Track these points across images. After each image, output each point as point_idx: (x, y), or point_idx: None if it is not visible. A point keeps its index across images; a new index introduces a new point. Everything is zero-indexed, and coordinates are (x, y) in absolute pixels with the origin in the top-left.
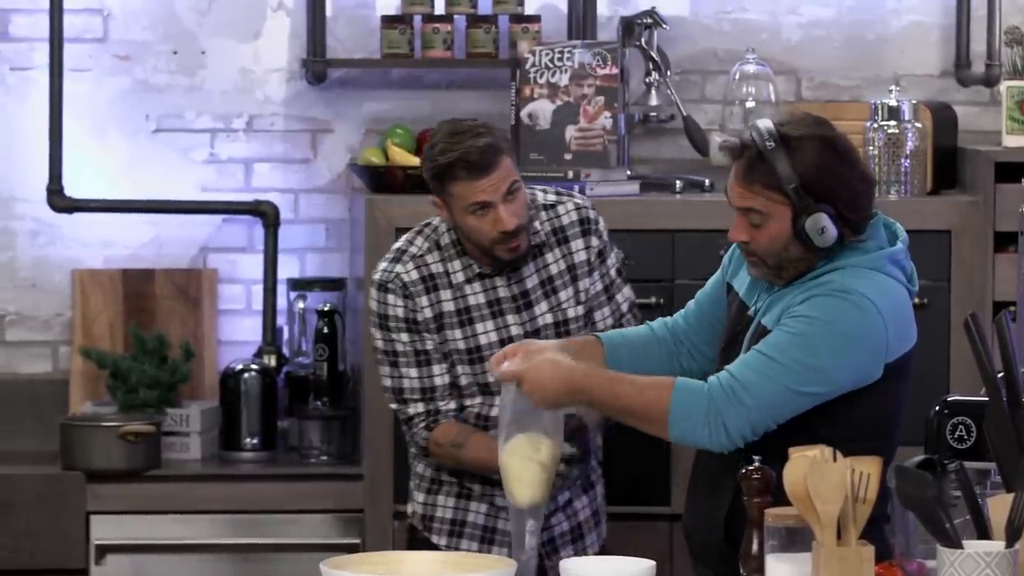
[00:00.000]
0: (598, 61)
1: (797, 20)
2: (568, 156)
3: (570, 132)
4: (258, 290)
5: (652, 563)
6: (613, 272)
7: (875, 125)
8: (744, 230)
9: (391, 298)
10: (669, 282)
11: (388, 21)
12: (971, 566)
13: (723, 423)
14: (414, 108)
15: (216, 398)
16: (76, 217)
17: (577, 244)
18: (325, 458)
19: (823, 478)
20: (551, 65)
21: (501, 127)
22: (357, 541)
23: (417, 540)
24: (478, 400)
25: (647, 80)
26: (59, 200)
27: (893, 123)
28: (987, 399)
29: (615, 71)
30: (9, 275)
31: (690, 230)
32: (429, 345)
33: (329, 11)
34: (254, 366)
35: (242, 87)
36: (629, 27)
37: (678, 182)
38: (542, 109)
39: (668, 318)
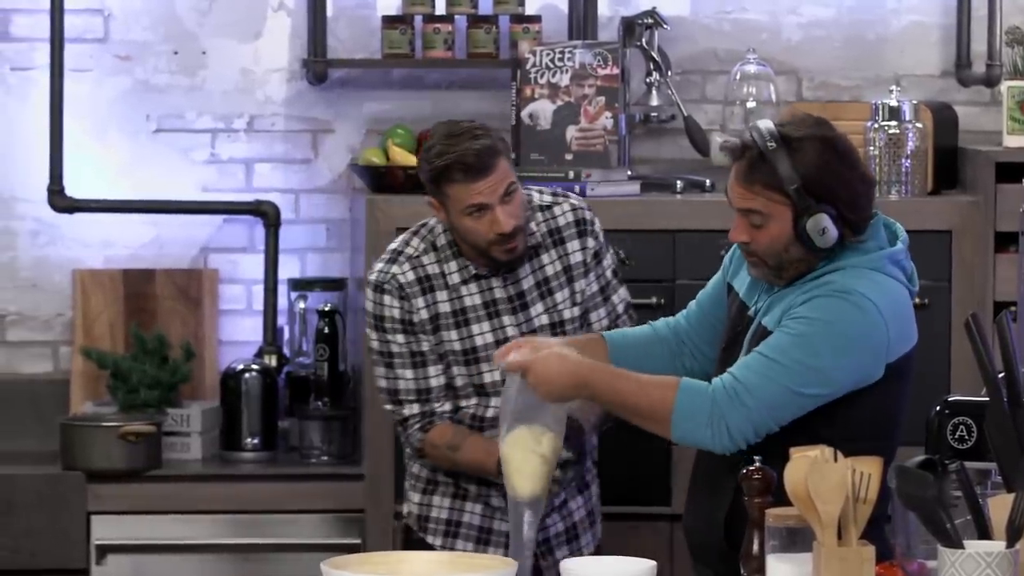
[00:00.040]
0: (599, 61)
1: (797, 20)
2: (569, 156)
3: (571, 132)
4: (259, 290)
5: (652, 563)
6: (609, 273)
7: (876, 125)
8: (745, 231)
9: (387, 299)
10: (670, 282)
11: (389, 21)
12: (972, 566)
13: (726, 425)
14: (415, 108)
15: (217, 398)
16: (77, 217)
17: (573, 245)
18: (326, 458)
19: (824, 478)
20: (552, 65)
21: (501, 127)
22: (358, 541)
23: (413, 541)
24: (473, 401)
25: (648, 80)
26: (60, 200)
27: (894, 123)
28: (988, 399)
29: (616, 71)
30: (10, 275)
31: (691, 230)
32: (425, 346)
33: (330, 11)
34: (255, 366)
35: (243, 87)
36: (630, 27)
37: (679, 182)
38: (543, 109)
39: (671, 318)
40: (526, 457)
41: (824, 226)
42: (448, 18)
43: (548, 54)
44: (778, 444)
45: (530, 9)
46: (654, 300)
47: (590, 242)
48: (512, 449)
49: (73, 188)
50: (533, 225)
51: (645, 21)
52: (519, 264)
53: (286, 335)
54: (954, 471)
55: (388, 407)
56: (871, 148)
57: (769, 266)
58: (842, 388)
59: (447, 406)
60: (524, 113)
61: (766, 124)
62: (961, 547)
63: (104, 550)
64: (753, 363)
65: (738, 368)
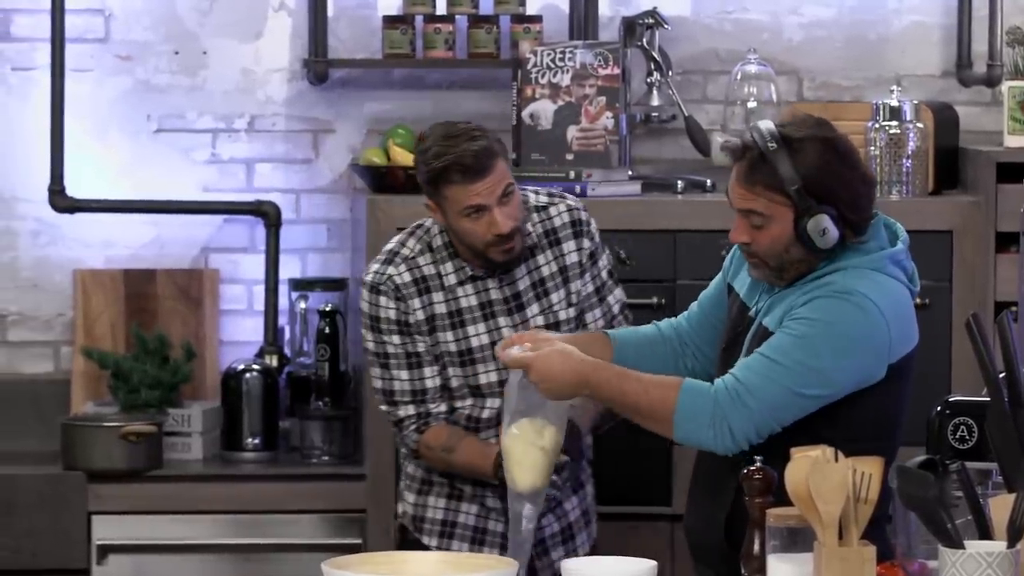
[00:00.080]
0: (599, 61)
1: (798, 20)
2: (569, 156)
3: (571, 132)
4: (259, 290)
5: (653, 563)
6: (604, 274)
7: (876, 125)
8: (745, 231)
9: (383, 300)
10: (671, 282)
11: (390, 21)
12: (973, 566)
13: (728, 426)
14: (416, 108)
15: (218, 398)
16: (78, 217)
17: (569, 246)
18: (327, 458)
19: (825, 478)
20: (552, 65)
21: (502, 127)
22: (359, 541)
23: (408, 541)
24: (468, 402)
25: (648, 80)
26: (61, 200)
27: (894, 123)
28: (988, 399)
29: (617, 71)
30: (11, 275)
31: (692, 230)
32: (420, 347)
33: (331, 11)
34: (256, 366)
35: (244, 87)
36: (631, 27)
37: (679, 182)
38: (543, 109)
39: (673, 319)
40: (527, 450)
41: (825, 227)
42: (449, 18)
43: (549, 54)
44: (779, 444)
45: (531, 9)
46: (655, 300)
47: (586, 243)
48: (513, 442)
49: (74, 188)
50: (529, 226)
51: (646, 21)
52: (515, 265)
53: (287, 335)
54: (955, 471)
55: (383, 408)
56: (872, 148)
57: (770, 267)
58: (843, 389)
59: (443, 407)
60: (525, 113)
61: (767, 125)
62: (962, 547)
63: (105, 550)
64: (754, 364)
65: (740, 369)
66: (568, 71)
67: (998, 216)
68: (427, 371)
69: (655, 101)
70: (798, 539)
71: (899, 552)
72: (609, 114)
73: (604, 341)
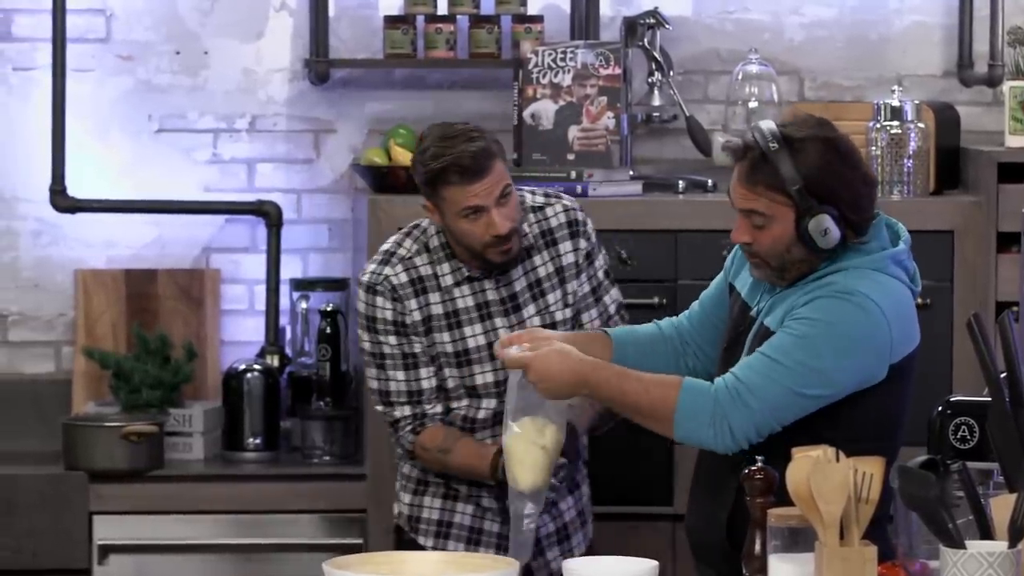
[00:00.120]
0: (601, 61)
1: (800, 20)
2: (571, 156)
3: (573, 132)
4: (261, 290)
5: (655, 563)
6: (601, 274)
7: (878, 125)
8: (747, 231)
9: (379, 300)
10: (672, 282)
11: (391, 21)
12: (974, 566)
13: (728, 425)
14: (417, 108)
15: (219, 398)
16: (79, 217)
17: (565, 246)
18: (328, 458)
19: (826, 478)
20: (554, 65)
21: (503, 127)
22: (359, 541)
23: (404, 542)
24: (464, 403)
25: (650, 80)
26: (62, 200)
27: (896, 123)
28: (990, 399)
29: (618, 71)
30: (12, 275)
31: (693, 230)
32: (417, 348)
33: (332, 11)
34: (257, 366)
35: (245, 87)
36: (632, 27)
37: (681, 182)
38: (545, 109)
39: (674, 318)
40: (528, 449)
41: (826, 227)
42: (450, 18)
43: (550, 54)
44: (780, 444)
45: (532, 9)
46: (656, 300)
47: (582, 243)
48: (514, 441)
49: (75, 188)
50: (525, 226)
51: (647, 21)
52: (512, 266)
53: (288, 335)
54: (956, 471)
55: (379, 408)
56: (873, 148)
57: (771, 267)
58: (844, 389)
59: (438, 408)
60: (526, 113)
61: (768, 125)
62: (963, 547)
63: (106, 550)
64: (755, 364)
65: (740, 368)
66: (569, 71)
67: (999, 216)
68: (423, 372)
69: (656, 101)
70: (799, 539)
71: (900, 552)
72: (610, 114)
73: (604, 340)
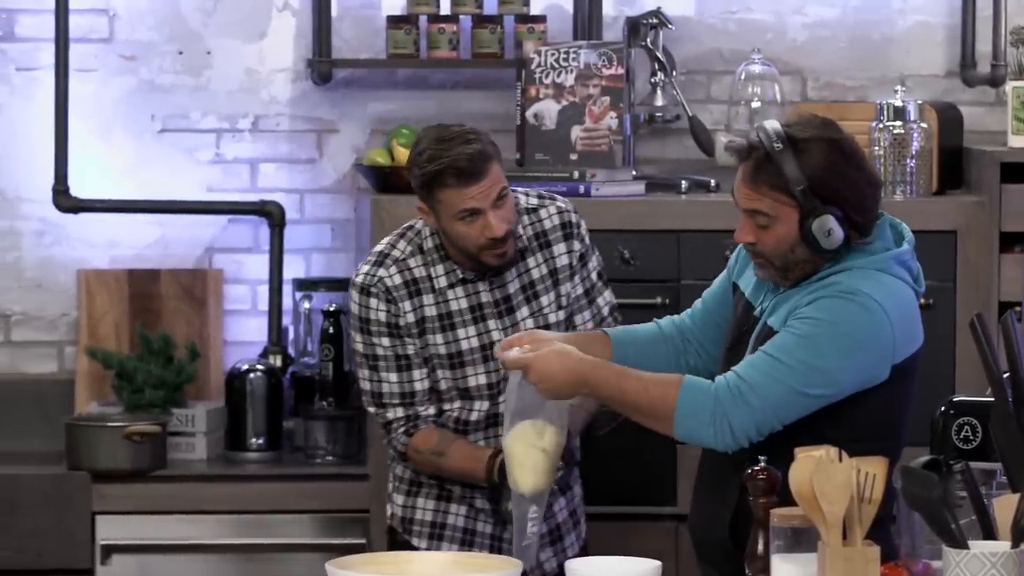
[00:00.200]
0: (604, 61)
1: (802, 20)
2: (573, 156)
3: (575, 132)
4: (263, 290)
5: (658, 563)
6: (594, 275)
7: (880, 125)
8: (750, 231)
9: (373, 302)
10: (675, 282)
11: (393, 21)
12: (977, 566)
13: (729, 423)
14: (420, 108)
15: (222, 398)
16: (82, 217)
17: (559, 248)
18: (330, 458)
19: (829, 478)
20: (557, 65)
21: (506, 128)
22: (362, 541)
23: (397, 543)
24: (457, 404)
25: (652, 80)
26: (65, 200)
27: (898, 123)
28: (993, 399)
29: (621, 71)
30: (15, 275)
31: (696, 230)
32: (410, 350)
33: (335, 11)
34: (260, 366)
35: (248, 87)
36: (635, 27)
37: (683, 182)
38: (547, 109)
39: (676, 316)
40: (528, 451)
41: (830, 227)
42: (453, 18)
43: (553, 54)
44: (783, 444)
45: (535, 9)
46: (659, 300)
47: (576, 245)
48: (514, 443)
49: (78, 188)
50: (519, 228)
51: (650, 21)
52: (507, 268)
53: (291, 335)
54: (959, 471)
55: (371, 410)
56: (876, 148)
57: (775, 267)
58: (847, 389)
59: (431, 410)
60: (529, 113)
61: (773, 125)
62: (966, 547)
63: (109, 550)
64: (758, 362)
65: (743, 367)
66: (572, 71)
67: (1002, 216)
68: (416, 373)
69: (659, 101)
70: (802, 539)
71: (903, 552)
72: (613, 114)
73: (603, 340)
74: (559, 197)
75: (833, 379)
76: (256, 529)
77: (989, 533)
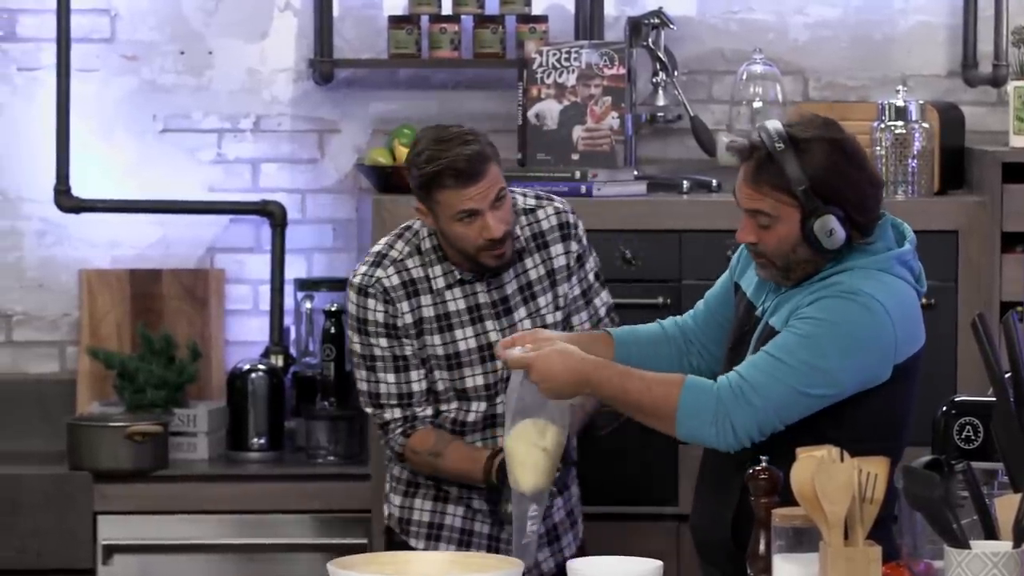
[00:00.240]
0: (605, 61)
1: (804, 20)
2: (575, 156)
3: (577, 132)
4: (265, 290)
5: (659, 563)
6: (591, 276)
7: (882, 125)
8: (752, 231)
9: (371, 303)
10: (676, 282)
11: (395, 21)
12: (978, 566)
13: (731, 423)
14: (421, 108)
15: (223, 398)
16: (83, 217)
17: (557, 249)
18: (332, 458)
19: (830, 478)
20: (558, 65)
21: (508, 128)
22: (364, 541)
23: (395, 543)
24: (454, 405)
25: (654, 80)
26: (66, 200)
27: (900, 123)
28: (994, 399)
29: (622, 71)
30: (16, 275)
31: (697, 230)
32: (408, 351)
33: (336, 11)
34: (261, 366)
35: (249, 87)
36: (636, 27)
37: (685, 182)
38: (549, 109)
39: (679, 317)
40: (529, 451)
41: (831, 227)
42: (454, 18)
43: (554, 54)
44: (785, 444)
45: (536, 9)
46: (660, 300)
47: (573, 246)
48: (516, 443)
49: (79, 188)
50: (517, 229)
51: (651, 21)
52: (505, 269)
53: (292, 335)
54: (961, 471)
55: (368, 411)
56: (877, 148)
57: (777, 267)
58: (849, 389)
59: (429, 410)
60: (530, 113)
61: (774, 125)
62: (968, 547)
63: (111, 550)
64: (760, 362)
65: (745, 367)
66: (574, 71)
67: (1003, 216)
68: (414, 374)
69: (661, 101)
70: (804, 539)
71: (905, 552)
72: (615, 114)
73: (606, 340)
74: (556, 198)
75: (835, 379)
76: (258, 529)
77: (991, 533)
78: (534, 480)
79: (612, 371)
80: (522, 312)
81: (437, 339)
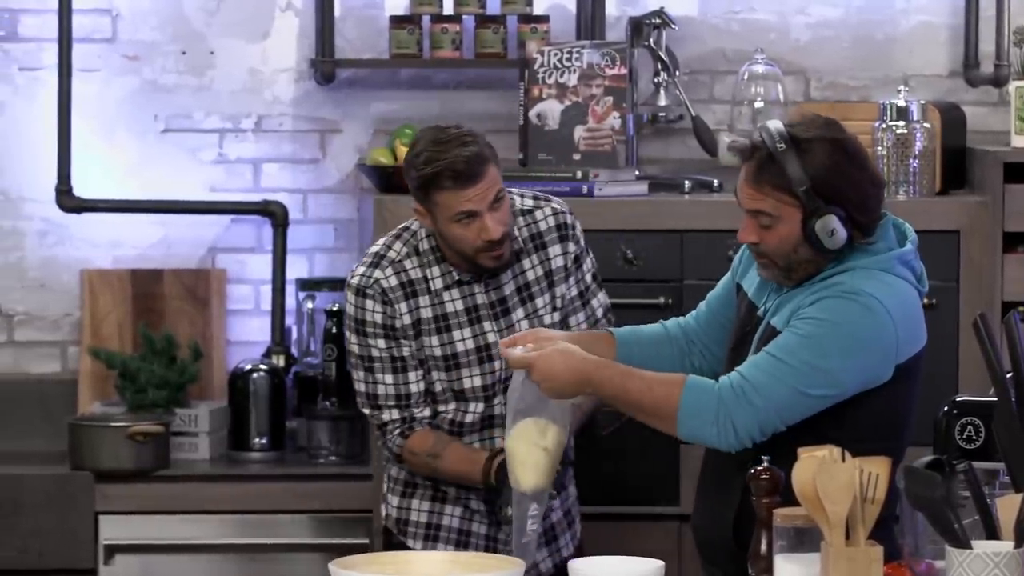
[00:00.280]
0: (607, 61)
1: (806, 20)
2: (577, 156)
3: (579, 132)
4: (267, 290)
5: (660, 563)
6: (589, 277)
7: (884, 125)
8: (754, 231)
9: (369, 303)
10: (678, 282)
11: (396, 21)
12: (980, 566)
13: (732, 423)
14: (423, 108)
15: (225, 398)
16: (85, 217)
17: (554, 250)
18: (334, 458)
19: (832, 478)
20: (560, 65)
21: (509, 128)
22: (365, 541)
23: (392, 544)
24: (452, 406)
25: (656, 80)
26: (68, 200)
27: (902, 123)
28: (996, 399)
29: (624, 71)
30: (18, 275)
31: (699, 230)
32: (406, 352)
33: (338, 11)
34: (263, 366)
35: (251, 87)
36: (638, 27)
37: (687, 182)
38: (551, 109)
39: (681, 317)
40: (530, 450)
41: (833, 227)
42: (456, 18)
43: (556, 54)
44: (786, 444)
45: (538, 9)
46: (661, 300)
47: (571, 246)
48: (516, 442)
49: (81, 188)
50: (515, 230)
51: (653, 21)
52: (503, 270)
53: (294, 335)
54: (962, 471)
55: (366, 412)
56: (879, 148)
57: (778, 267)
58: (850, 389)
59: (426, 412)
60: (532, 113)
61: (776, 125)
62: (969, 547)
63: (112, 550)
64: (761, 363)
65: (746, 367)
66: (575, 71)
67: (1005, 216)
68: (412, 375)
69: (662, 101)
70: (805, 539)
71: (906, 552)
72: (616, 114)
73: (608, 340)
74: (554, 198)
75: (836, 379)
76: (259, 529)
77: (992, 533)
78: (535, 479)
79: (613, 371)
80: (520, 313)
81: (435, 340)
